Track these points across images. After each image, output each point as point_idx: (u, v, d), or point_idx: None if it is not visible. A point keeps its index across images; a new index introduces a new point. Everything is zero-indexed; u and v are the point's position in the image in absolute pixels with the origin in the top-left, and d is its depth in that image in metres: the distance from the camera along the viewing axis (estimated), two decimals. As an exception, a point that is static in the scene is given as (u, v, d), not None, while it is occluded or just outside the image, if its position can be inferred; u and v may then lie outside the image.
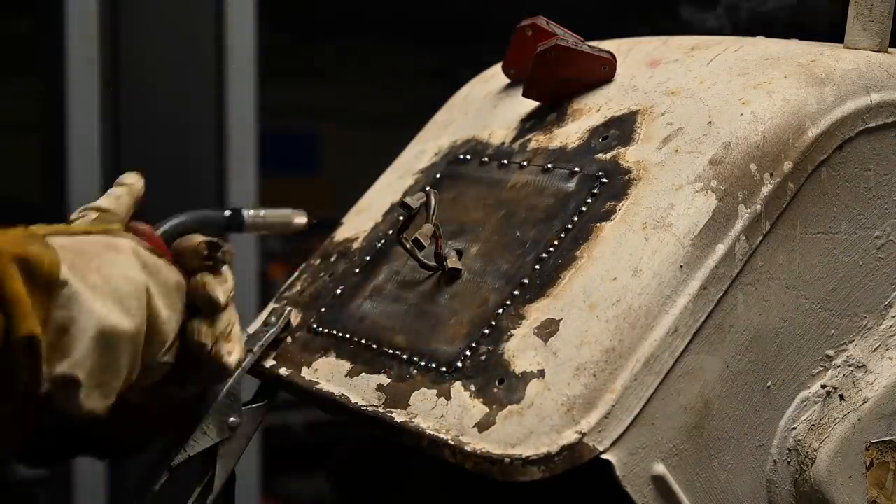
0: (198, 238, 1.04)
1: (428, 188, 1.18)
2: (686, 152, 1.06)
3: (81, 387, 0.94)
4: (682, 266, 1.00)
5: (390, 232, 1.23)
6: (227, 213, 1.13)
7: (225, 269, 1.05)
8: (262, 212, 1.16)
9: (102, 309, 0.94)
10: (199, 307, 1.03)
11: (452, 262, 1.12)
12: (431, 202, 1.14)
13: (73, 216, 1.04)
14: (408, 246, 1.12)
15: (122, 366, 0.96)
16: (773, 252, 1.03)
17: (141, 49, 2.49)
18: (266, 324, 1.20)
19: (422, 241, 1.11)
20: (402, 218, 1.16)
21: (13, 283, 0.90)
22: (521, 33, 1.25)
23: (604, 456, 0.95)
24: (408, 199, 1.14)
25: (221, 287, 1.04)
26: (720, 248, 1.01)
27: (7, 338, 0.89)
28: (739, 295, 1.02)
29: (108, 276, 0.95)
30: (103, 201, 1.05)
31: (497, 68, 1.34)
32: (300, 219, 1.19)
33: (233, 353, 1.05)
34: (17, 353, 0.90)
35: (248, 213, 1.14)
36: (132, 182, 1.08)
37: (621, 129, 1.13)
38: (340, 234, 1.29)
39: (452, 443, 0.97)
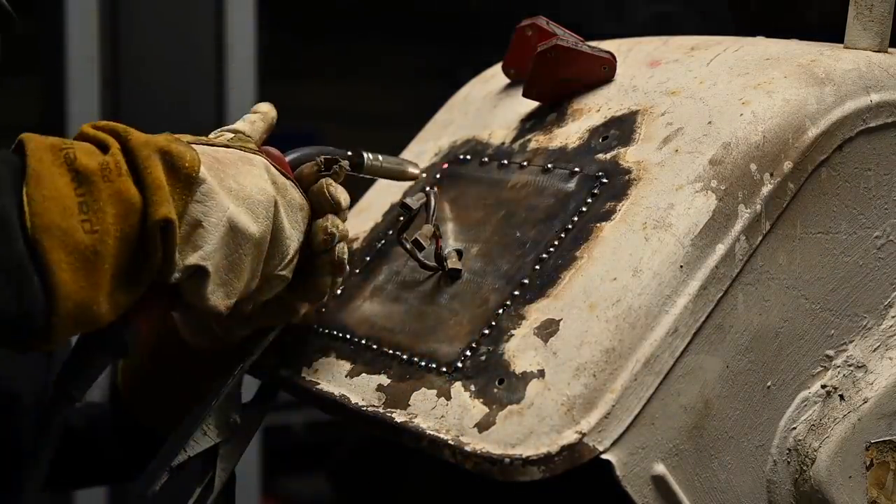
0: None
1: (428, 188, 1.18)
2: (686, 152, 1.06)
3: (209, 280, 0.98)
4: (682, 266, 1.00)
5: (390, 232, 1.23)
6: (349, 153, 1.17)
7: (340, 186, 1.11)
8: (381, 157, 1.19)
9: (235, 210, 0.99)
10: (322, 207, 1.09)
11: (452, 262, 1.12)
12: (431, 203, 1.14)
13: (212, 135, 1.10)
14: (408, 246, 1.12)
15: (245, 267, 1.01)
16: (773, 252, 1.03)
17: (141, 49, 2.49)
18: (266, 324, 1.20)
19: (422, 241, 1.11)
20: (402, 218, 1.16)
21: (155, 169, 0.94)
22: (521, 33, 1.25)
23: (604, 456, 0.95)
24: (408, 200, 1.15)
25: (341, 191, 1.10)
26: (720, 248, 1.01)
27: (145, 221, 0.93)
28: (739, 295, 1.02)
29: (242, 183, 1.01)
30: (240, 124, 1.12)
31: (497, 68, 1.34)
32: (413, 169, 1.23)
33: (346, 256, 1.11)
34: (153, 235, 0.94)
35: (368, 156, 1.18)
36: (266, 110, 1.15)
37: (621, 129, 1.13)
38: (340, 234, 1.29)
39: (452, 443, 0.97)
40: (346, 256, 1.10)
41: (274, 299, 1.09)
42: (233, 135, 1.10)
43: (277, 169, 1.06)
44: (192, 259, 0.97)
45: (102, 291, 0.92)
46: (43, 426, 1.01)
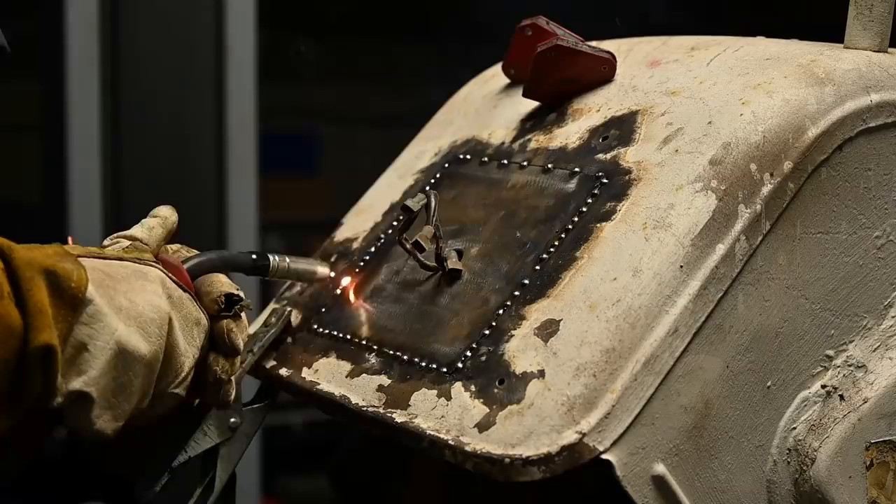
0: (218, 289, 1.06)
1: (428, 189, 1.18)
2: (686, 152, 1.06)
3: (94, 405, 0.95)
4: (682, 266, 1.00)
5: (390, 232, 1.23)
6: (254, 256, 1.15)
7: (242, 315, 1.08)
8: (288, 259, 1.18)
9: (124, 330, 0.96)
10: (219, 348, 1.05)
11: (453, 262, 1.12)
12: (432, 204, 1.14)
13: (106, 242, 1.07)
14: (408, 247, 1.12)
15: (135, 390, 0.97)
16: (773, 252, 1.03)
17: (141, 49, 2.49)
18: (266, 324, 1.20)
19: (422, 243, 1.11)
20: (401, 219, 1.16)
21: (38, 292, 0.91)
22: (521, 33, 1.25)
23: (604, 456, 0.95)
24: (409, 202, 1.14)
25: (241, 334, 1.07)
26: (720, 248, 1.01)
27: (25, 347, 0.90)
28: (739, 295, 1.02)
29: (134, 300, 0.97)
30: (136, 231, 1.08)
31: (497, 68, 1.34)
32: (323, 270, 1.22)
33: (230, 398, 1.08)
34: (33, 362, 0.90)
35: (275, 259, 1.16)
36: (167, 215, 1.11)
37: (621, 129, 1.13)
38: (340, 234, 1.29)
39: (453, 443, 0.97)
40: (230, 398, 1.07)
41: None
42: (129, 242, 1.06)
43: (175, 281, 1.03)
44: (75, 384, 0.94)
45: None
46: None
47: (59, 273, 0.93)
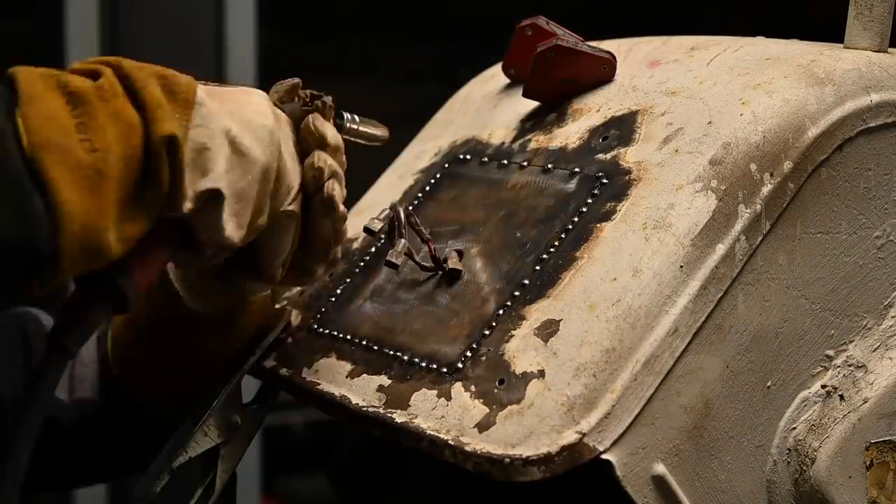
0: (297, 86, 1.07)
1: (392, 203, 1.16)
2: (686, 152, 1.06)
3: (225, 203, 0.94)
4: (682, 266, 1.00)
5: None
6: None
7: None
8: (357, 119, 1.16)
9: (238, 131, 0.95)
10: (309, 145, 1.05)
11: (453, 262, 1.12)
12: (401, 217, 1.12)
13: None
14: (394, 262, 1.11)
15: (253, 196, 0.97)
16: (773, 252, 1.03)
17: (141, 49, 2.49)
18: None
19: (394, 261, 1.10)
20: (376, 245, 1.15)
21: (154, 90, 0.91)
22: (521, 33, 1.25)
23: (604, 456, 0.95)
24: (369, 223, 1.13)
25: (328, 126, 1.06)
26: (720, 248, 1.01)
27: (147, 142, 0.89)
28: (739, 295, 1.02)
29: (243, 109, 0.97)
30: None
31: (497, 68, 1.34)
32: (384, 133, 1.19)
33: (337, 193, 1.06)
34: (158, 154, 0.89)
35: (347, 117, 1.14)
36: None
37: (621, 129, 1.13)
38: (340, 235, 1.29)
39: (453, 443, 0.97)
40: (335, 194, 1.05)
41: (289, 261, 1.06)
42: None
43: (276, 104, 1.03)
44: (204, 183, 0.93)
45: (109, 217, 0.87)
46: (33, 383, 0.94)
47: (169, 77, 0.93)
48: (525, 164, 1.18)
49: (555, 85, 1.21)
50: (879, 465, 1.07)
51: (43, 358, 0.96)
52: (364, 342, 1.12)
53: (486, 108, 1.31)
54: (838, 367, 1.07)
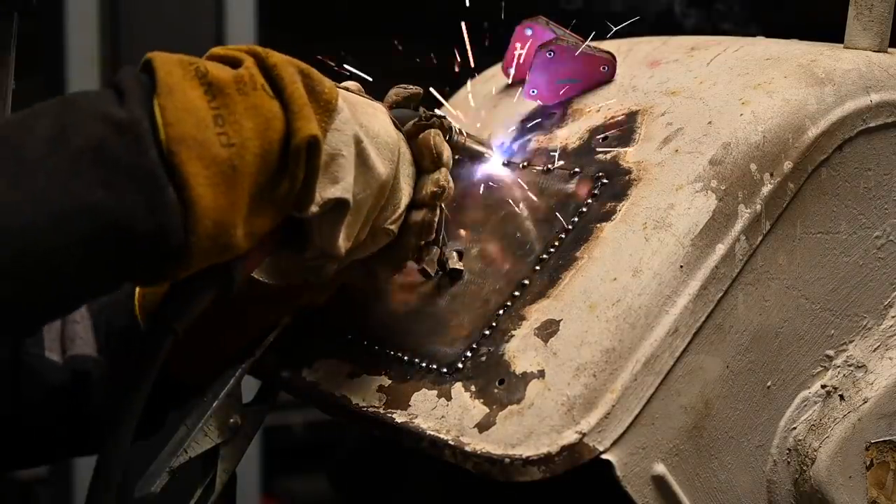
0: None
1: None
2: (686, 152, 1.06)
3: (347, 216, 0.93)
4: (682, 266, 0.99)
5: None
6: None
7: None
8: (465, 134, 1.14)
9: (368, 145, 0.93)
10: (425, 163, 1.03)
11: (453, 262, 1.12)
12: (443, 225, 1.12)
13: None
14: (428, 271, 1.11)
15: (365, 212, 0.95)
16: (773, 252, 1.03)
17: (141, 49, 2.48)
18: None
19: (428, 270, 1.11)
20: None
21: (298, 87, 0.89)
22: (521, 33, 1.25)
23: (604, 456, 0.95)
24: (426, 266, 1.11)
25: (446, 147, 1.04)
26: (720, 248, 1.01)
27: (285, 140, 0.87)
28: (739, 295, 1.02)
29: (371, 122, 0.95)
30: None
31: (497, 68, 1.34)
32: (491, 152, 1.18)
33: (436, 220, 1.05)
34: (296, 155, 0.88)
35: (456, 130, 1.12)
36: (355, 86, 1.07)
37: (621, 129, 1.13)
38: (340, 235, 1.29)
39: (453, 443, 0.97)
40: (435, 220, 1.04)
41: (359, 262, 1.04)
42: None
43: (394, 121, 1.01)
44: (334, 191, 0.91)
45: (240, 213, 0.86)
46: (143, 359, 0.93)
47: (313, 77, 0.91)
48: (525, 164, 1.18)
49: (555, 85, 1.21)
50: (879, 465, 1.07)
51: (149, 337, 0.94)
52: (365, 342, 1.12)
53: (486, 108, 1.31)
54: (838, 367, 1.07)
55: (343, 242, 0.95)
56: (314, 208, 0.91)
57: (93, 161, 0.80)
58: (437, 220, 1.04)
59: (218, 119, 0.85)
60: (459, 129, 1.12)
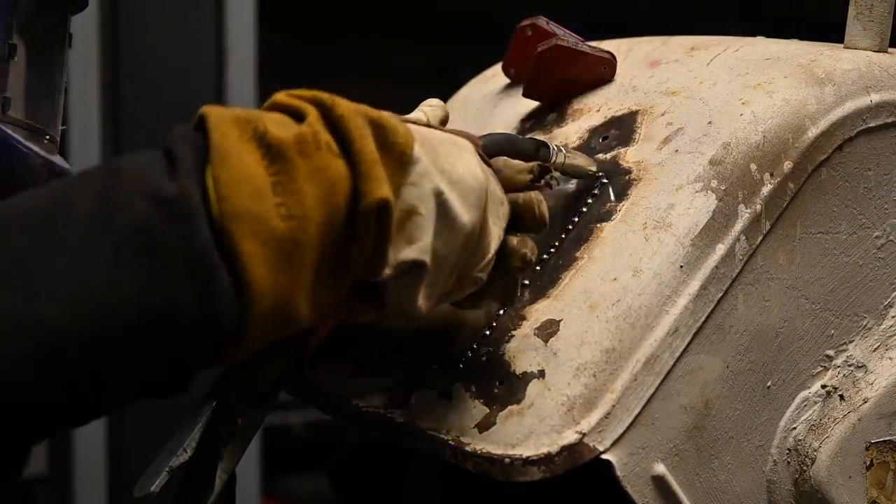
0: (518, 165, 0.96)
1: None
2: (686, 152, 1.06)
3: (425, 278, 0.85)
4: (682, 266, 1.00)
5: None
6: (537, 143, 1.04)
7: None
8: (565, 152, 1.06)
9: (450, 195, 0.85)
10: (526, 225, 0.94)
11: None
12: None
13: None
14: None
15: (449, 265, 0.87)
16: (773, 252, 1.03)
17: (141, 49, 2.49)
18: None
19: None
20: None
21: (368, 142, 0.80)
22: (521, 33, 1.25)
23: (604, 456, 0.95)
24: None
25: (546, 208, 0.95)
26: (720, 248, 1.01)
27: (353, 203, 0.79)
28: (739, 295, 1.02)
29: (454, 165, 0.86)
30: (417, 115, 0.98)
31: (497, 68, 1.35)
32: (593, 169, 1.09)
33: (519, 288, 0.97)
34: (365, 220, 0.80)
35: (555, 150, 1.05)
36: (437, 104, 1.02)
37: (621, 129, 1.13)
38: (340, 235, 1.29)
39: (453, 443, 0.97)
40: (518, 289, 0.96)
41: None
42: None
43: (482, 156, 0.91)
44: (409, 253, 0.83)
45: (303, 289, 0.78)
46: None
47: (385, 126, 0.82)
48: (525, 164, 1.17)
49: (555, 85, 1.21)
50: (879, 465, 1.07)
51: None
52: (364, 342, 1.12)
53: (486, 108, 1.31)
54: (838, 367, 1.07)
55: (424, 302, 0.87)
56: (388, 271, 0.84)
57: (137, 246, 0.73)
58: (517, 290, 0.97)
59: (277, 187, 0.77)
60: (558, 149, 1.05)
